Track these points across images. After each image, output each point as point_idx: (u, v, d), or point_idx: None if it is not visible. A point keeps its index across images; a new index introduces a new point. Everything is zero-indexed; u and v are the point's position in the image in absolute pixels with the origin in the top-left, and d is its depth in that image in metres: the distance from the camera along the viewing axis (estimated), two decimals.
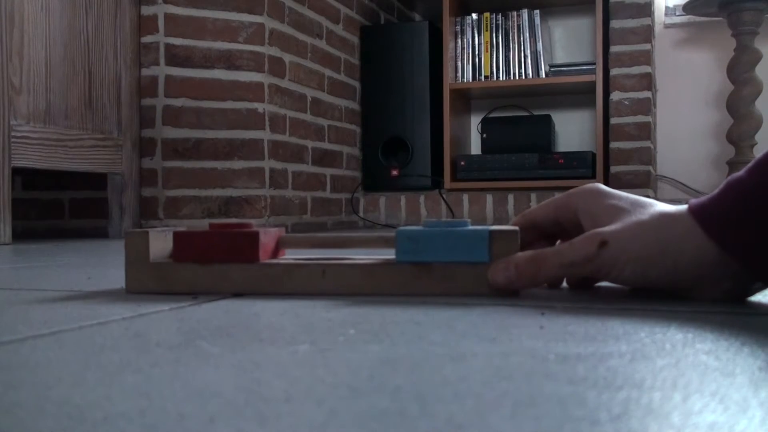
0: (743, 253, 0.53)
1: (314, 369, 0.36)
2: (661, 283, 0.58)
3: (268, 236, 0.68)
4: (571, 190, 0.65)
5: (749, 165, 0.55)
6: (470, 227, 0.64)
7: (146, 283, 0.67)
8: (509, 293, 0.61)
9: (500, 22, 2.91)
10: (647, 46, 2.72)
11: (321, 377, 0.34)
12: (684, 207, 0.57)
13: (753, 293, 0.60)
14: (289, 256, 0.72)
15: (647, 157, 2.69)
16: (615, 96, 2.71)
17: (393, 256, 0.64)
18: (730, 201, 0.54)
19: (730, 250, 0.53)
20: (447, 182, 2.84)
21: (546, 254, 0.60)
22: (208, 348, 0.42)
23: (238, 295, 0.64)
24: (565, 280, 0.68)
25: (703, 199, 0.56)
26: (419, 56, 2.85)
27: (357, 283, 0.64)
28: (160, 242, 0.69)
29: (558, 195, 0.67)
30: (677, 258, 0.55)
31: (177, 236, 0.68)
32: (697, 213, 0.55)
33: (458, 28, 2.93)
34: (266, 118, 2.34)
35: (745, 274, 0.55)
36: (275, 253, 0.70)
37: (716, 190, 0.56)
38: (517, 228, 0.64)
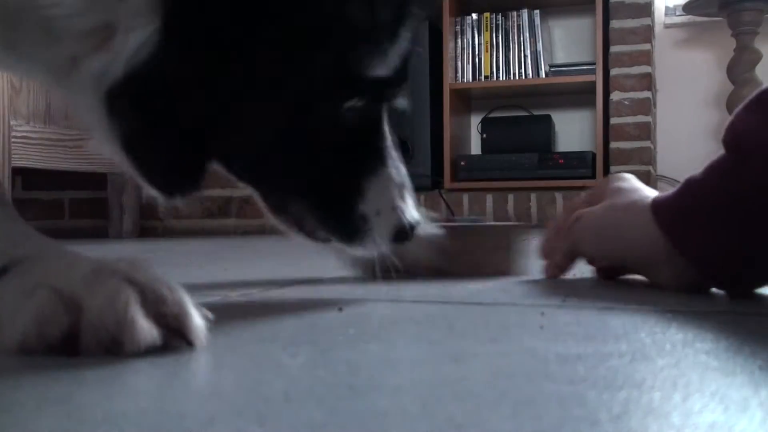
0: (684, 242, 0.58)
1: (314, 369, 0.36)
2: (616, 259, 0.68)
3: None
4: (604, 179, 0.74)
5: (706, 165, 0.58)
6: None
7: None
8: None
9: (500, 22, 2.91)
10: (647, 46, 2.71)
11: (321, 377, 0.34)
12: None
13: (706, 288, 0.61)
14: None
15: (647, 157, 2.69)
16: (615, 96, 2.71)
17: None
18: (682, 197, 0.59)
19: (671, 237, 0.58)
20: (447, 182, 2.84)
21: None
22: (208, 348, 0.42)
23: None
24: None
25: (665, 193, 0.61)
26: (419, 56, 2.85)
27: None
28: None
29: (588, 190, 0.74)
30: (630, 239, 0.63)
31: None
32: (654, 205, 0.60)
33: (458, 28, 2.93)
34: None
35: (689, 265, 0.59)
36: None
37: (677, 187, 0.60)
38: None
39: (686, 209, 0.58)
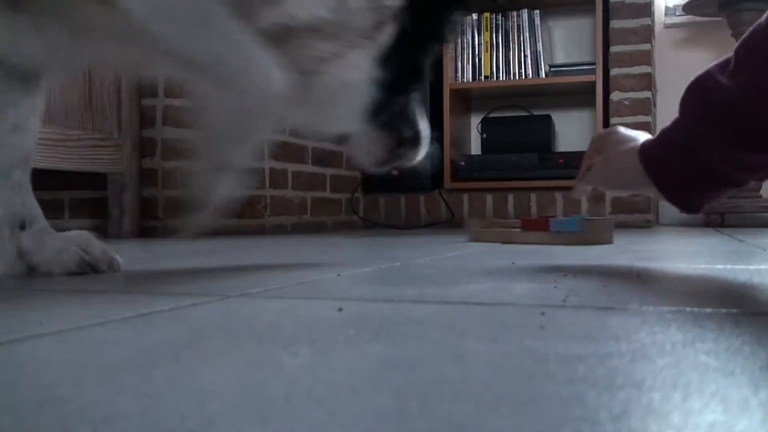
0: (656, 177, 0.81)
1: (314, 369, 0.36)
2: (619, 190, 0.99)
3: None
4: (594, 136, 0.97)
5: (675, 118, 0.79)
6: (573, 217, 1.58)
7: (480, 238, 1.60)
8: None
9: (500, 22, 2.91)
10: (647, 46, 2.72)
11: (321, 377, 0.34)
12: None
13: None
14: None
15: None
16: (615, 96, 2.71)
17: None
18: (658, 145, 0.81)
19: (650, 174, 0.81)
20: (447, 182, 2.84)
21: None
22: (208, 348, 0.42)
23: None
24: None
25: (650, 139, 0.83)
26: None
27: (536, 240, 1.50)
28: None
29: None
30: (626, 178, 0.86)
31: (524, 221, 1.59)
32: (641, 151, 0.82)
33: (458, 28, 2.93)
34: None
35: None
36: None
37: (657, 135, 0.81)
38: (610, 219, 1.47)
39: (660, 155, 0.81)
